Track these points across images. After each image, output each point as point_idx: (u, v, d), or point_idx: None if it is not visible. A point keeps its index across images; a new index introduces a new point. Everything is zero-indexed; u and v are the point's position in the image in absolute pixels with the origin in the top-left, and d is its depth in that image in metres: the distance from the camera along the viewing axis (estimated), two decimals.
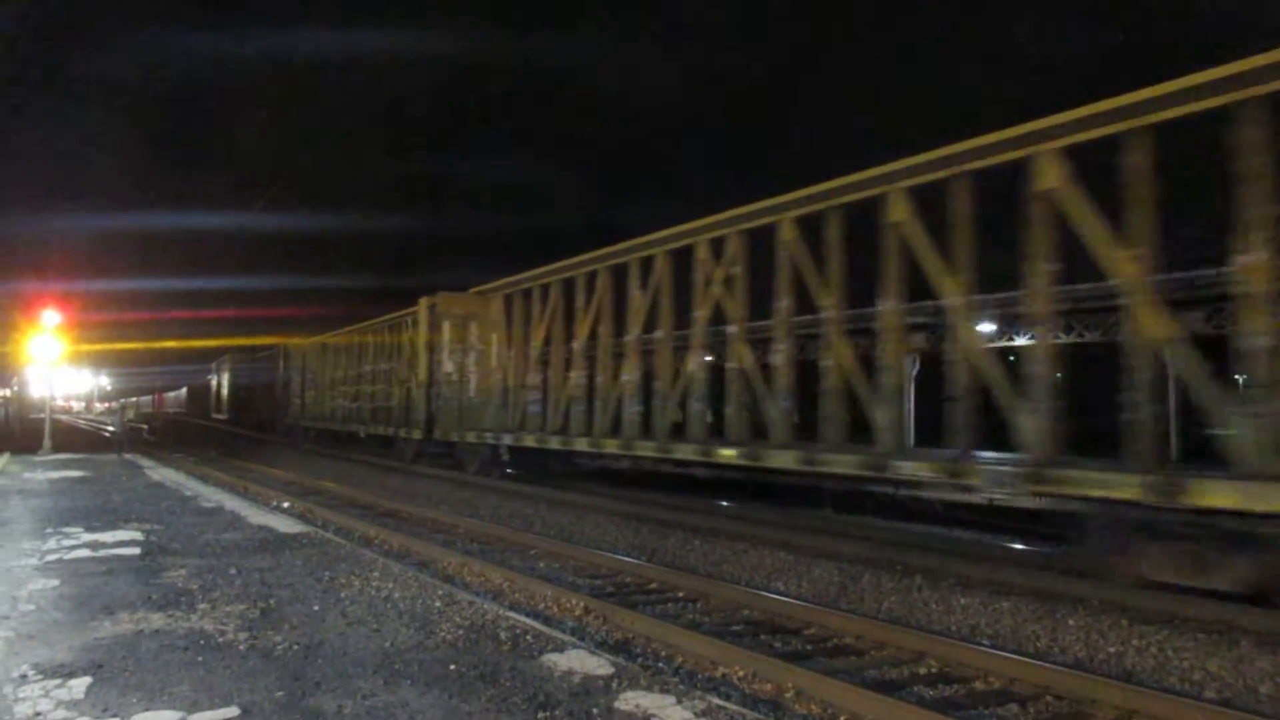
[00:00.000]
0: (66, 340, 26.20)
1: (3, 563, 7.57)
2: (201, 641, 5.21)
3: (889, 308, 9.90)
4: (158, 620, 5.69)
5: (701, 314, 12.66)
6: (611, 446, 14.15)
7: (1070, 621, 6.97)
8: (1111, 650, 6.37)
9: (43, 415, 27.87)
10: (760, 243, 11.81)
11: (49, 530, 9.45)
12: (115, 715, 4.04)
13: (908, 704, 5.08)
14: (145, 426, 50.72)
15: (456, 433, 19.18)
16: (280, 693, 4.35)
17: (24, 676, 4.52)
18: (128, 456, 22.90)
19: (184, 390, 76.95)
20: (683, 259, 13.09)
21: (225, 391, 48.16)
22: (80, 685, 4.39)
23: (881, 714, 4.96)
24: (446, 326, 19.65)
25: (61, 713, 4.05)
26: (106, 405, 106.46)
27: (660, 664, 6.01)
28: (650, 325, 13.87)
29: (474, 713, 4.16)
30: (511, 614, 6.26)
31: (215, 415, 50.57)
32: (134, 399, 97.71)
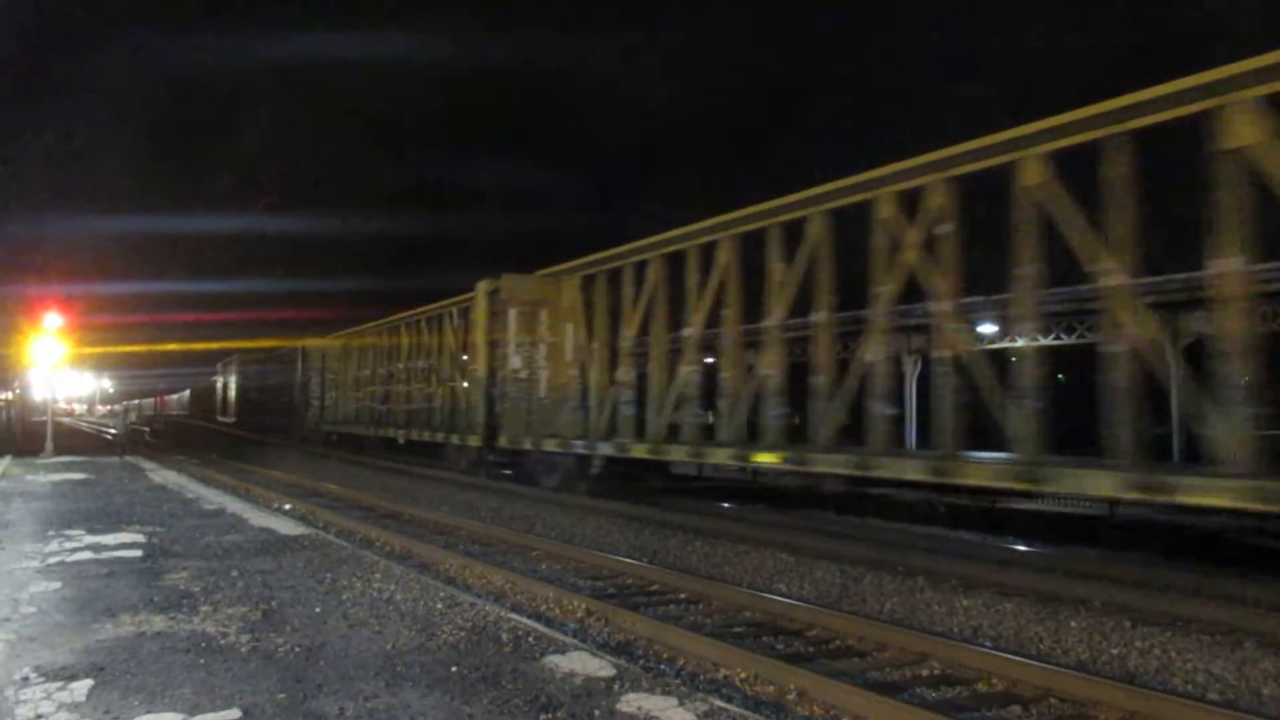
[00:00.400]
0: (68, 343, 26.26)
1: (5, 565, 7.57)
2: (203, 644, 5.21)
3: (1234, 268, 7.21)
4: (159, 622, 5.69)
5: (887, 289, 10.14)
6: (771, 459, 11.35)
7: (1073, 623, 6.96)
8: (1114, 652, 6.36)
9: (45, 418, 27.92)
10: (976, 192, 9.24)
11: (51, 533, 9.46)
12: (117, 718, 4.03)
13: (910, 706, 5.07)
14: (147, 429, 50.54)
15: (529, 439, 16.14)
16: (282, 695, 4.34)
17: (26, 679, 4.52)
18: (129, 459, 22.91)
19: (186, 393, 76.87)
20: (849, 221, 10.55)
21: (233, 394, 46.96)
22: (82, 688, 4.39)
23: (884, 716, 4.95)
24: (512, 315, 16.60)
25: (63, 715, 4.05)
26: (109, 408, 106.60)
27: (662, 666, 6.01)
28: (799, 307, 11.46)
29: (476, 715, 4.15)
30: (513, 616, 6.25)
31: (221, 418, 49.52)
32: (136, 401, 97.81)
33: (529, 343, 16.57)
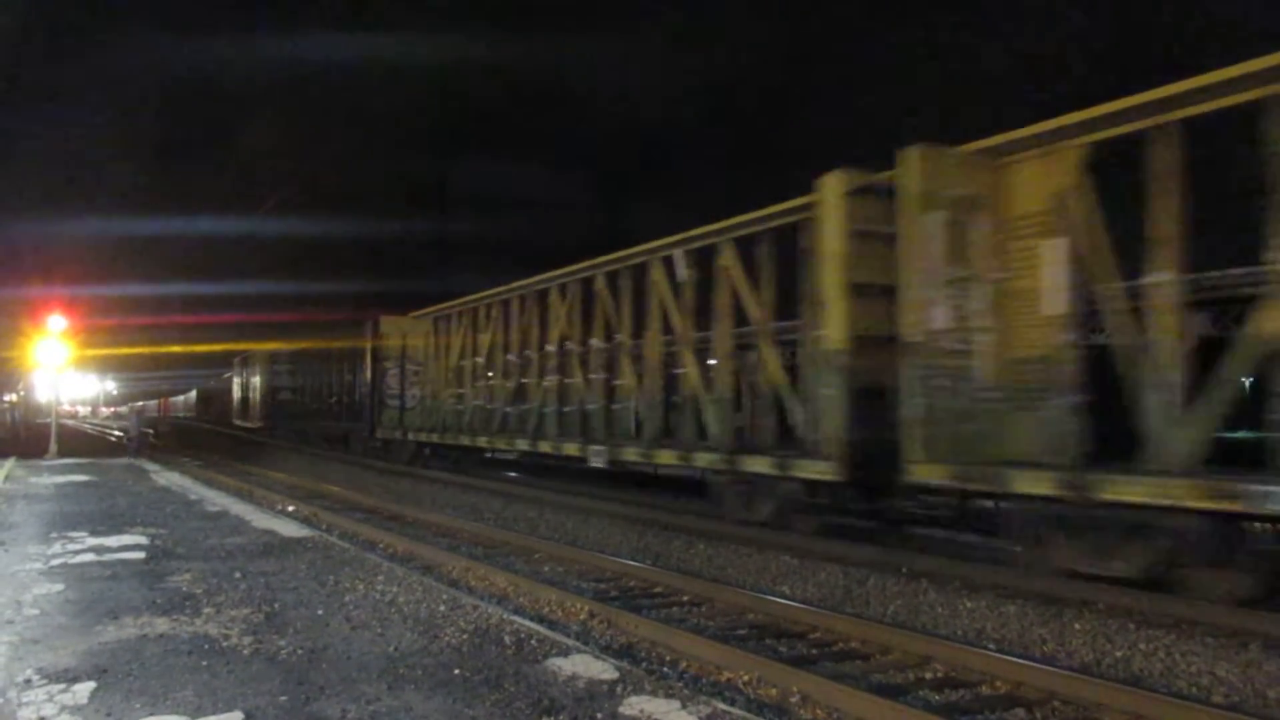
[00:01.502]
0: (72, 345, 26.33)
1: (8, 567, 7.59)
2: (206, 646, 5.22)
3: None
4: (162, 625, 5.69)
5: None
6: None
7: (1077, 625, 6.94)
8: (1119, 654, 6.33)
9: (49, 420, 27.99)
10: None
11: (54, 535, 9.48)
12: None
13: (914, 709, 5.05)
14: (151, 431, 50.18)
15: (1030, 478, 7.80)
16: (284, 697, 4.34)
17: (28, 681, 4.53)
18: (132, 461, 22.95)
19: (193, 394, 76.46)
20: None
21: (257, 394, 41.04)
22: (84, 690, 4.40)
23: (887, 719, 4.94)
24: (933, 225, 8.63)
25: (65, 717, 4.05)
26: (112, 410, 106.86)
27: (665, 668, 5.99)
28: None
29: (478, 717, 4.15)
30: (516, 618, 6.25)
31: (240, 422, 43.91)
32: (140, 403, 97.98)
33: (957, 281, 8.78)
